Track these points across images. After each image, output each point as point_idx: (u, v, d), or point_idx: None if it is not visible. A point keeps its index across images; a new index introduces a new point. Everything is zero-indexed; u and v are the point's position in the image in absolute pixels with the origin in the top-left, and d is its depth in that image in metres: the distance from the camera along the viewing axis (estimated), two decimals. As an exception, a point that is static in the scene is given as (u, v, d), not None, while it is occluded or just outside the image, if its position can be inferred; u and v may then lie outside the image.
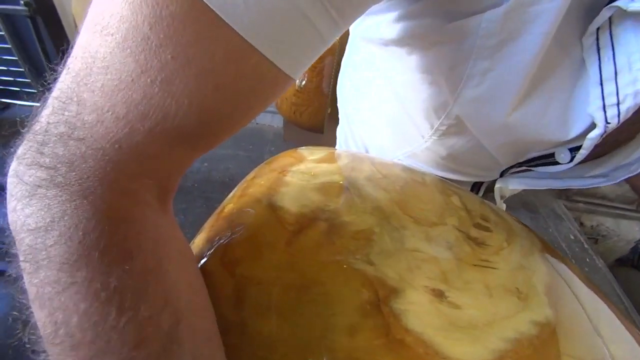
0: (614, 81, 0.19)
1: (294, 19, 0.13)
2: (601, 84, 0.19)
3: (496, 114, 0.22)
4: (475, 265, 0.21)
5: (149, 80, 0.12)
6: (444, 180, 0.29)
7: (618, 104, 0.19)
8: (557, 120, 0.22)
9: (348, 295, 0.19)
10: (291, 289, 0.19)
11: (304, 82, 0.99)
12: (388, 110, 0.31)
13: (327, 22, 0.14)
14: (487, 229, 0.23)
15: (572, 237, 1.45)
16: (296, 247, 0.21)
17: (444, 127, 0.26)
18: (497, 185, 0.32)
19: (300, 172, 0.27)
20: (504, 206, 0.38)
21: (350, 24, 0.17)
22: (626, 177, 0.26)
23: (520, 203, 1.55)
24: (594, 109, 0.20)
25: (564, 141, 0.23)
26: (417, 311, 0.18)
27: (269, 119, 1.66)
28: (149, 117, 0.13)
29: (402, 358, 0.17)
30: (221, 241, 0.22)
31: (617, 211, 1.65)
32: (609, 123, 0.20)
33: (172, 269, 0.15)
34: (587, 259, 1.38)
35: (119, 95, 0.12)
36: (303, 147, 0.32)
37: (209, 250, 0.22)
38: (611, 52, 0.18)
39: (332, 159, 0.29)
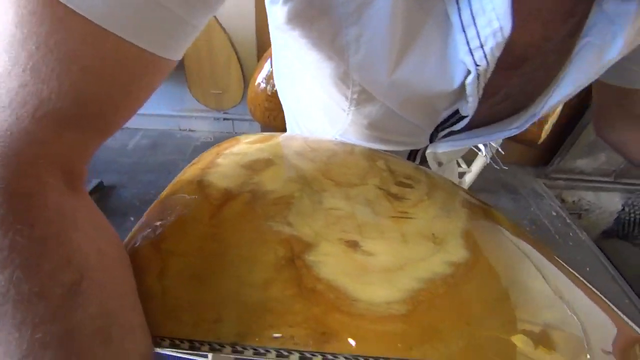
0: (474, 25, 0.20)
1: (145, 4, 0.15)
2: (464, 31, 0.20)
3: (380, 76, 0.23)
4: (392, 217, 0.21)
5: (21, 70, 0.14)
6: (373, 149, 0.29)
7: (482, 46, 0.20)
8: (437, 72, 0.23)
9: (264, 254, 0.19)
10: (211, 256, 0.19)
11: (274, 88, 1.01)
12: (314, 94, 0.32)
13: (183, 5, 0.16)
14: (409, 186, 0.24)
15: (554, 214, 1.48)
16: (219, 219, 0.21)
17: (355, 96, 0.27)
18: (428, 151, 0.33)
19: (232, 154, 0.27)
20: (441, 172, 0.39)
21: (215, 5, 0.18)
22: (530, 123, 0.27)
23: (500, 185, 1.58)
24: (463, 55, 0.21)
25: (456, 93, 0.24)
26: (330, 261, 0.19)
27: (247, 127, 1.67)
28: (27, 103, 0.14)
29: (313, 304, 0.17)
30: (154, 223, 0.23)
31: (596, 184, 1.69)
32: (478, 65, 0.21)
33: (78, 237, 0.16)
34: (571, 234, 1.40)
35: (1, 87, 0.14)
36: (243, 135, 0.33)
37: (140, 233, 0.22)
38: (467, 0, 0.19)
39: (265, 139, 0.30)
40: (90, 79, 0.15)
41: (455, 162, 0.53)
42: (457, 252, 0.20)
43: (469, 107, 0.25)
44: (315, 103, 0.34)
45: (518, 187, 1.60)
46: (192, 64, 1.33)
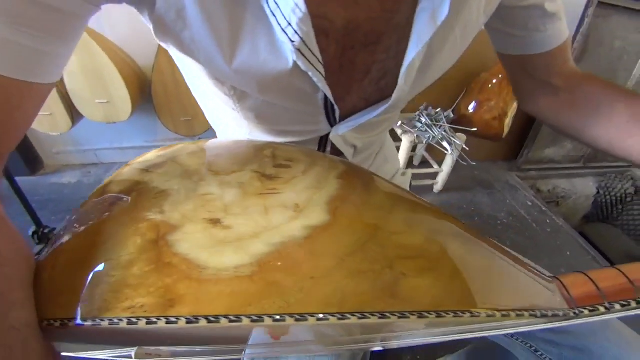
0: (279, 9, 0.22)
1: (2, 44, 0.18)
2: (274, 14, 0.23)
3: (223, 67, 0.26)
4: (260, 194, 0.23)
5: None
6: (269, 142, 0.32)
7: (290, 25, 0.23)
8: (270, 55, 0.25)
9: (134, 239, 0.21)
10: (92, 247, 0.21)
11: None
12: (211, 99, 0.34)
13: (33, 39, 0.19)
14: (286, 167, 0.26)
15: (529, 204, 1.50)
16: (109, 216, 0.23)
17: (232, 92, 0.30)
18: (330, 135, 0.35)
19: (138, 162, 0.29)
20: (356, 158, 0.41)
21: (66, 36, 0.21)
22: (408, 90, 0.30)
23: (475, 182, 1.61)
24: (280, 35, 0.24)
25: (300, 72, 0.27)
26: (189, 238, 0.20)
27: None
28: None
29: (166, 276, 0.18)
30: (61, 230, 0.25)
31: (568, 171, 1.73)
32: (293, 41, 0.23)
33: None
34: (548, 220, 1.42)
35: None
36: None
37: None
38: None
39: (171, 147, 0.32)
40: None
41: (393, 149, 0.55)
42: (316, 216, 0.22)
43: (318, 83, 0.27)
44: (216, 108, 0.36)
45: (493, 182, 1.63)
46: (159, 95, 1.36)
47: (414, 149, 1.57)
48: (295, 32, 0.23)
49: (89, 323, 0.18)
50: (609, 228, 1.91)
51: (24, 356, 0.18)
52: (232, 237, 0.20)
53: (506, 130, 1.39)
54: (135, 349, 0.24)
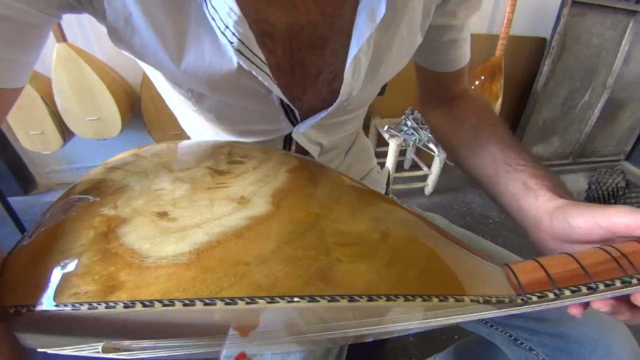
0: (217, 13, 0.24)
1: None
2: (213, 19, 0.25)
3: (173, 69, 0.27)
4: (209, 188, 0.25)
5: None
6: (230, 141, 0.33)
7: (227, 27, 0.24)
8: (215, 56, 0.27)
9: (87, 233, 0.22)
10: (50, 241, 0.22)
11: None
12: (175, 103, 0.36)
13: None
14: (240, 162, 0.28)
15: (519, 201, 1.51)
16: (69, 213, 0.24)
17: (189, 94, 0.31)
18: (293, 134, 0.37)
19: (108, 162, 0.31)
20: (321, 155, 0.43)
21: (33, 47, 0.23)
22: (360, 88, 0.32)
23: (466, 183, 1.62)
24: (221, 38, 0.25)
25: (247, 73, 0.28)
26: (136, 230, 0.21)
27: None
28: None
29: (111, 265, 0.20)
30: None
31: (558, 168, 1.74)
32: (232, 42, 0.25)
33: None
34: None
35: None
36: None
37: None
38: None
39: (142, 147, 0.33)
40: None
41: (366, 148, 0.56)
42: (258, 208, 0.23)
43: (264, 82, 0.28)
44: (181, 111, 0.37)
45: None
46: (149, 110, 1.39)
47: (403, 153, 1.59)
48: (233, 34, 0.25)
49: (38, 309, 0.19)
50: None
51: None
52: (176, 228, 0.21)
53: (492, 129, 1.41)
54: (103, 342, 0.25)
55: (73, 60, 1.00)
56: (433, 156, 1.42)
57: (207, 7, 0.25)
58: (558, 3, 1.33)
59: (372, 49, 0.31)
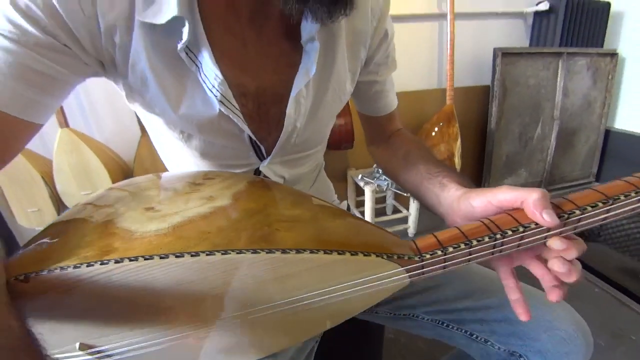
0: (207, 78, 0.35)
1: (11, 93, 0.29)
2: (204, 81, 0.36)
3: (173, 115, 0.38)
4: (186, 193, 0.33)
5: None
6: (209, 170, 0.42)
7: (214, 87, 0.35)
8: (204, 106, 0.37)
9: (90, 223, 0.29)
10: (59, 232, 0.30)
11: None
12: (167, 146, 0.46)
13: (34, 93, 0.31)
14: (212, 178, 0.36)
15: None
16: (77, 215, 0.32)
17: (181, 135, 0.40)
18: (260, 167, 0.46)
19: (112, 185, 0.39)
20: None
21: (56, 93, 0.33)
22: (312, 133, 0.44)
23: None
24: (209, 93, 0.36)
25: (227, 119, 0.39)
26: (129, 219, 0.29)
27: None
28: None
29: (107, 239, 0.27)
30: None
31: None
32: (216, 96, 0.36)
33: None
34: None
35: None
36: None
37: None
38: (198, 61, 0.35)
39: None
40: None
41: (326, 187, 0.65)
42: (221, 201, 0.31)
43: (238, 123, 0.39)
44: (170, 151, 0.46)
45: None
46: (140, 173, 1.49)
47: (384, 200, 1.69)
48: (218, 90, 0.36)
49: (44, 272, 0.25)
50: (595, 246, 1.95)
51: None
52: (159, 215, 0.29)
53: (458, 168, 1.53)
54: (78, 343, 0.30)
55: (74, 143, 1.13)
56: (409, 198, 1.52)
57: (200, 74, 0.36)
58: (491, 56, 1.57)
59: (311, 95, 0.43)
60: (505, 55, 1.56)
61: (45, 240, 0.30)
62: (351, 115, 1.36)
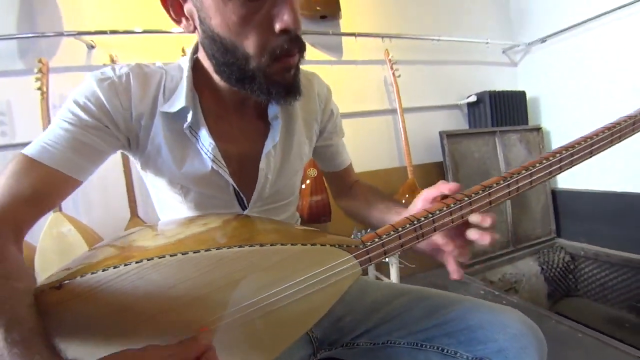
0: (204, 145, 0.49)
1: (60, 157, 0.42)
2: (201, 149, 0.50)
3: (177, 172, 0.51)
4: (186, 224, 0.43)
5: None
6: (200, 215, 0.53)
7: (208, 152, 0.49)
8: (201, 165, 0.51)
9: (114, 250, 0.38)
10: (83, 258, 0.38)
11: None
12: (167, 204, 0.57)
13: (79, 157, 0.44)
14: (206, 217, 0.47)
15: (482, 292, 1.62)
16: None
17: (181, 190, 0.52)
18: (244, 213, 0.57)
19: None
20: None
21: (96, 160, 0.46)
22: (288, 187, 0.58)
23: (430, 285, 1.72)
24: (204, 156, 0.50)
25: (217, 174, 0.52)
26: (143, 241, 0.39)
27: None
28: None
29: (127, 252, 0.36)
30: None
31: (504, 257, 1.94)
32: (210, 157, 0.50)
33: (13, 260, 0.35)
34: (504, 302, 1.51)
35: None
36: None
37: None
38: (197, 135, 0.50)
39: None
40: (29, 188, 0.39)
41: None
42: (215, 224, 0.42)
43: (225, 176, 0.51)
44: (169, 206, 0.57)
45: (447, 284, 1.76)
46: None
47: (365, 272, 1.73)
48: (211, 153, 0.50)
49: (76, 279, 0.33)
50: (577, 300, 1.98)
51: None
52: (166, 236, 0.39)
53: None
54: None
55: (63, 224, 1.20)
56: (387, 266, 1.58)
57: (198, 143, 0.50)
58: (438, 138, 1.87)
59: (278, 155, 0.57)
60: (449, 136, 1.86)
61: (70, 264, 0.38)
62: (327, 192, 1.52)
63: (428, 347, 0.56)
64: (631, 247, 1.75)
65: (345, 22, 1.83)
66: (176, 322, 0.37)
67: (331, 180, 0.77)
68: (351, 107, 1.82)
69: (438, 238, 0.47)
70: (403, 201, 1.72)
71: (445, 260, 0.48)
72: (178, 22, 0.47)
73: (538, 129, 2.12)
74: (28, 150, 0.41)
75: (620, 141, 0.50)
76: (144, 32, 1.41)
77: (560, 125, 2.11)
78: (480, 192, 0.44)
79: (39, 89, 1.25)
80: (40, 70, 1.26)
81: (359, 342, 0.59)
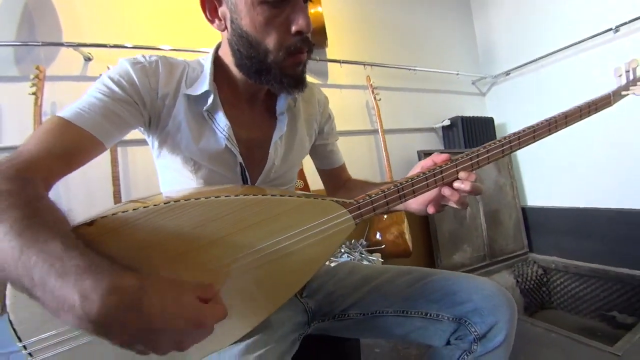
0: (219, 124, 0.57)
1: (92, 121, 0.48)
2: (217, 128, 0.57)
3: (194, 148, 0.57)
4: (206, 187, 0.48)
5: (30, 141, 0.43)
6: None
7: (223, 131, 0.57)
8: (215, 142, 0.57)
9: (141, 199, 0.43)
10: None
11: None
12: (175, 178, 0.62)
13: (112, 123, 0.50)
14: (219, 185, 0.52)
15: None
16: None
17: (194, 167, 0.58)
18: None
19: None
20: None
21: (132, 122, 0.52)
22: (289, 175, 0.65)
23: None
24: (219, 134, 0.57)
25: (230, 152, 0.59)
26: (163, 198, 0.43)
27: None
28: (29, 154, 0.42)
29: (152, 199, 0.41)
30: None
31: (481, 271, 2.01)
32: (225, 136, 0.57)
33: (45, 201, 0.38)
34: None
35: (23, 150, 0.42)
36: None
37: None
38: (214, 117, 0.57)
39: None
40: (61, 145, 0.43)
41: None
42: (228, 187, 0.47)
43: (236, 153, 0.58)
44: (176, 182, 0.62)
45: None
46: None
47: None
48: (226, 132, 0.57)
49: (109, 217, 0.38)
50: (552, 312, 2.07)
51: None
52: (188, 190, 0.44)
53: (410, 244, 1.72)
54: None
55: None
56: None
57: (214, 124, 0.57)
58: (417, 156, 1.99)
59: (283, 146, 0.65)
60: (427, 155, 1.99)
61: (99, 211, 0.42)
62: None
63: (413, 313, 0.61)
64: (597, 258, 1.88)
65: (331, 50, 1.99)
66: (194, 264, 0.42)
67: (327, 177, 0.85)
68: (336, 126, 1.93)
69: (431, 193, 0.55)
70: (385, 217, 1.79)
71: (445, 202, 0.56)
72: (211, 21, 0.57)
73: (499, 159, 2.29)
74: (63, 113, 0.46)
75: (557, 130, 0.60)
76: (136, 47, 1.49)
77: (526, 147, 2.29)
78: (449, 163, 0.52)
79: (34, 94, 1.28)
80: (36, 77, 1.29)
81: (349, 313, 0.64)
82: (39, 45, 1.40)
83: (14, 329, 0.37)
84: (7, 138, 1.37)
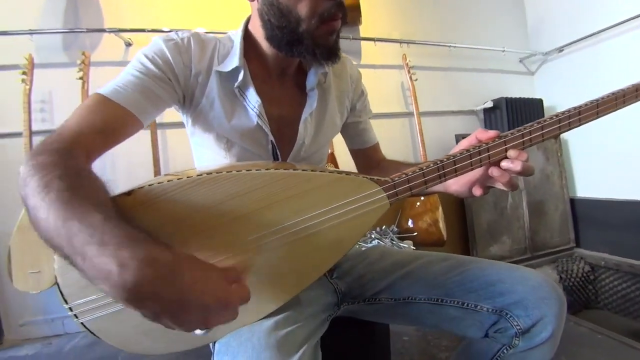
0: (250, 102, 0.56)
1: (132, 99, 0.48)
2: (248, 106, 0.56)
3: (226, 125, 0.56)
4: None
5: (72, 118, 0.44)
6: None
7: (254, 108, 0.55)
8: (246, 120, 0.56)
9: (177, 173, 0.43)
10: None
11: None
12: (208, 155, 0.62)
13: (147, 101, 0.50)
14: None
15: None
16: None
17: (226, 145, 0.57)
18: None
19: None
20: None
21: (166, 102, 0.53)
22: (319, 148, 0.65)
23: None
24: (251, 112, 0.56)
25: (261, 129, 0.58)
26: (197, 171, 0.43)
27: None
28: (71, 129, 0.43)
29: (187, 173, 0.40)
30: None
31: (523, 264, 1.90)
32: (256, 113, 0.55)
33: (86, 173, 0.39)
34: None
35: (66, 126, 0.43)
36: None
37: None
38: (245, 94, 0.56)
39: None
40: (100, 120, 0.45)
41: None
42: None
43: (267, 132, 0.57)
44: (207, 160, 0.62)
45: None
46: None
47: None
48: (257, 109, 0.56)
49: (146, 187, 0.38)
50: (597, 312, 1.92)
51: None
52: (219, 165, 0.44)
53: (444, 233, 1.66)
54: None
55: None
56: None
57: (245, 101, 0.57)
58: (454, 141, 1.89)
59: (313, 123, 0.63)
60: (465, 139, 1.88)
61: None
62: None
63: (448, 302, 0.58)
64: (654, 256, 1.70)
65: (365, 28, 1.91)
66: (223, 238, 0.41)
67: (359, 158, 0.81)
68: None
69: (475, 173, 0.51)
70: (418, 204, 1.73)
71: (491, 183, 0.51)
72: None
73: (556, 137, 2.12)
74: (102, 90, 0.47)
75: (625, 105, 0.52)
76: (172, 31, 1.51)
77: (578, 134, 2.10)
78: (497, 140, 0.47)
79: (81, 78, 1.35)
80: (82, 62, 1.36)
81: (380, 297, 0.61)
82: (83, 31, 1.46)
83: (60, 291, 0.39)
84: (59, 121, 1.46)
